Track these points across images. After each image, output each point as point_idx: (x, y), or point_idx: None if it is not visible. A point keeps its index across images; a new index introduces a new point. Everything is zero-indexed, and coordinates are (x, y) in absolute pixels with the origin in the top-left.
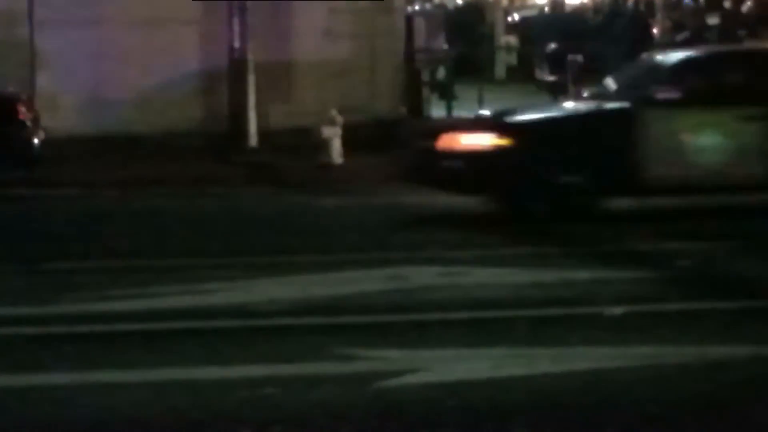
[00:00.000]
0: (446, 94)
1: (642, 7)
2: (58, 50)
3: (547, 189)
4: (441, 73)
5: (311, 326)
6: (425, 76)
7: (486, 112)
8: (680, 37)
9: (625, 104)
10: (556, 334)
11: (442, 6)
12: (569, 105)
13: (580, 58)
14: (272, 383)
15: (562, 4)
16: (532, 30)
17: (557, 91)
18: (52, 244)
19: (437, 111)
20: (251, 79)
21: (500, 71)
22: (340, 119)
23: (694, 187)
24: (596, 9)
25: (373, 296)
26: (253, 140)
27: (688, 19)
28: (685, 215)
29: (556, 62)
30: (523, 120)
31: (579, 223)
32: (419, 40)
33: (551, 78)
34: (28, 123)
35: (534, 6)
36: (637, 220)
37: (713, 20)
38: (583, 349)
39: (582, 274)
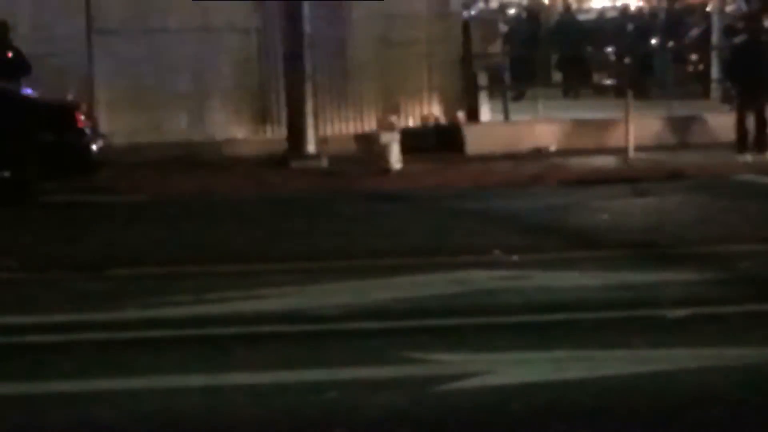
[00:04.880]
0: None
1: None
2: (117, 59)
3: None
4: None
5: (372, 330)
6: (482, 81)
7: None
8: (737, 39)
9: None
10: (619, 337)
11: (499, 11)
12: None
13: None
14: (334, 387)
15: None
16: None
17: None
18: (113, 250)
19: (494, 115)
20: (309, 86)
21: (557, 75)
22: (398, 124)
23: None
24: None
25: (435, 300)
26: (311, 146)
27: (741, 22)
28: (746, 217)
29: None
30: None
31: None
32: (476, 46)
33: (609, 81)
34: (87, 130)
35: (591, 10)
36: (696, 223)
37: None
38: (647, 352)
39: (643, 277)
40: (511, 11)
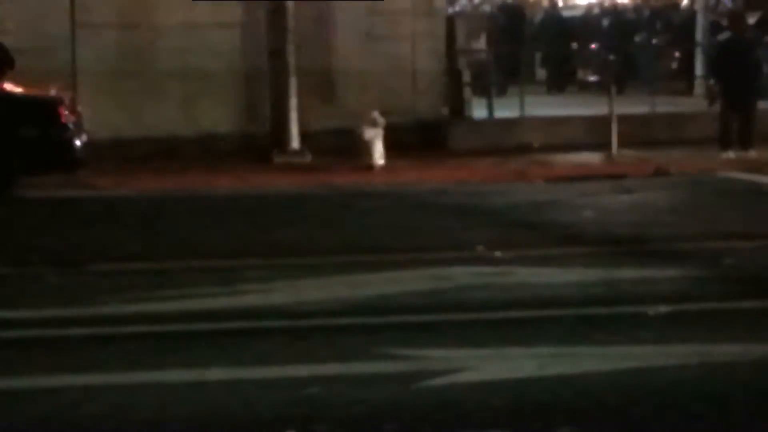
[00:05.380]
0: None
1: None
2: (101, 54)
3: None
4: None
5: (354, 326)
6: (466, 77)
7: None
8: (721, 37)
9: None
10: (600, 333)
11: (482, 7)
12: None
13: (620, 58)
14: (316, 383)
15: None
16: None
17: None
18: (95, 246)
19: (478, 112)
20: (292, 81)
21: (540, 72)
22: (381, 121)
23: None
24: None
25: (417, 296)
26: (294, 142)
27: (726, 20)
28: (730, 214)
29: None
30: None
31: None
32: (460, 42)
33: (593, 78)
34: (71, 126)
35: (576, 6)
36: (679, 220)
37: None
38: (628, 348)
39: (626, 274)
40: (486, 8)
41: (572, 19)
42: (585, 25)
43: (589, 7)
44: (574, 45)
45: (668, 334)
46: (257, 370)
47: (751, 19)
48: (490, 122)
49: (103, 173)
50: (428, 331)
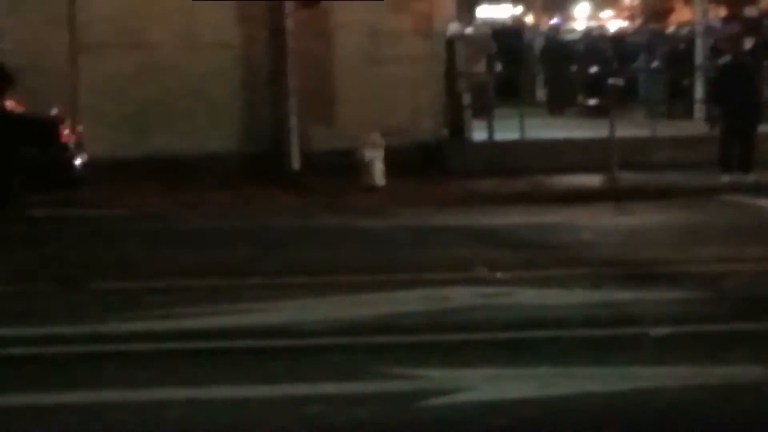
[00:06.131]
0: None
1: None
2: (101, 73)
3: None
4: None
5: (355, 346)
6: (466, 99)
7: None
8: (722, 61)
9: None
10: (602, 354)
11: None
12: None
13: (620, 81)
14: (317, 402)
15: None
16: None
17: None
18: (96, 265)
19: (478, 134)
20: (293, 102)
21: (541, 94)
22: (382, 142)
23: None
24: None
25: (417, 316)
26: (295, 163)
27: (725, 44)
28: (730, 236)
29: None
30: None
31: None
32: (460, 64)
33: (593, 101)
34: (71, 145)
35: (574, 30)
36: (679, 242)
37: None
38: (629, 369)
39: (626, 295)
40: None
41: (572, 42)
42: (585, 48)
43: (589, 31)
44: (574, 68)
45: (668, 355)
46: (258, 388)
47: (748, 44)
48: (490, 144)
49: (104, 192)
50: (429, 351)
